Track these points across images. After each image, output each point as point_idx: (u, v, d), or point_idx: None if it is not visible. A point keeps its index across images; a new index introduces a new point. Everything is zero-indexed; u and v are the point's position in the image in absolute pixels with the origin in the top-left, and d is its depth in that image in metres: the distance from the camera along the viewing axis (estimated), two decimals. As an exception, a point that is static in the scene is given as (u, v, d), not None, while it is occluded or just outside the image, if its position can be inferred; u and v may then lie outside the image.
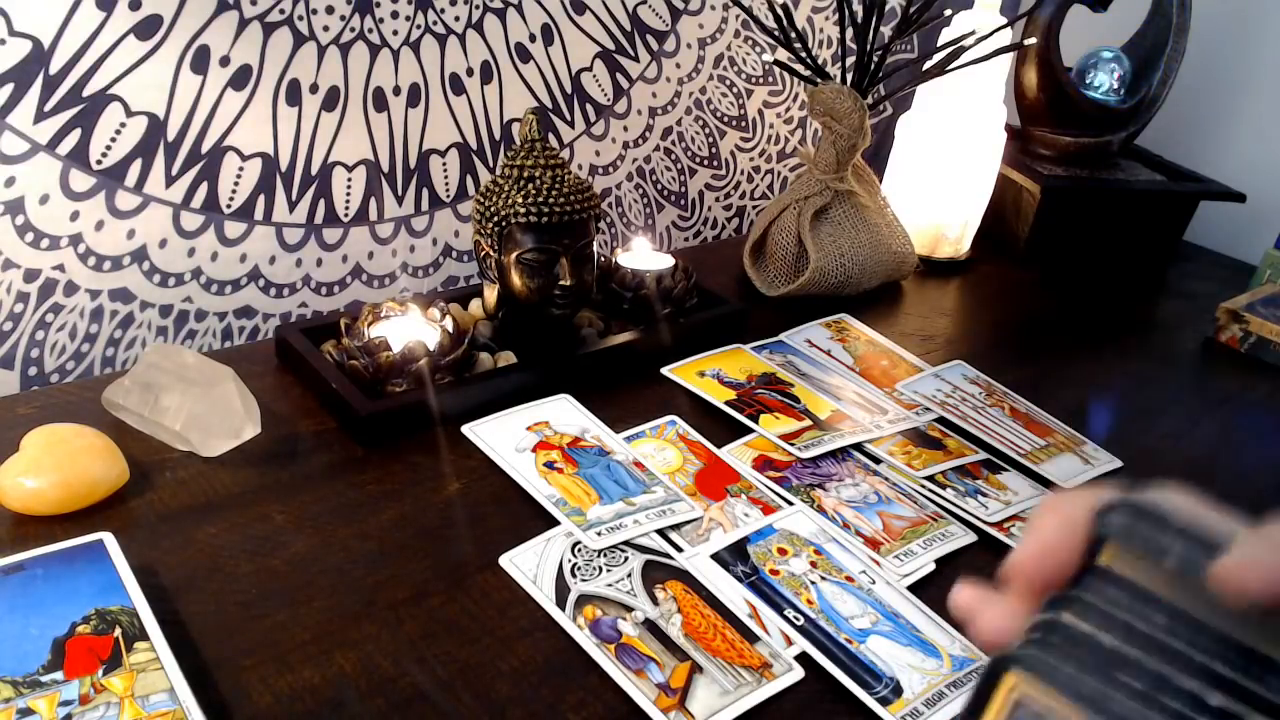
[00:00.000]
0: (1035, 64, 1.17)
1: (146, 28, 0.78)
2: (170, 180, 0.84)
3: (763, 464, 0.75)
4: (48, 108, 0.77)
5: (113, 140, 0.80)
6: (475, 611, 0.59)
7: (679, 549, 0.65)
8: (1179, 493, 0.28)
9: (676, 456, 0.74)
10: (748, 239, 1.06)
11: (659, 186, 1.17)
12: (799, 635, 0.59)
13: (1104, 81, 1.20)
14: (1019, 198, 1.19)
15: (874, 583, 0.64)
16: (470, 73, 0.97)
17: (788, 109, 1.25)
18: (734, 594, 0.61)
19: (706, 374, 0.85)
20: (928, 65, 1.00)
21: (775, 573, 0.64)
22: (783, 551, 0.66)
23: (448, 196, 1.01)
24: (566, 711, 0.53)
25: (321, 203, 0.93)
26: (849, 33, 0.97)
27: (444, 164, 0.99)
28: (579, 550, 0.64)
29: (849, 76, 0.98)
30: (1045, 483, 0.77)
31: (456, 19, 0.94)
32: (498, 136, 1.02)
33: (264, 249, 0.91)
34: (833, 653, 0.58)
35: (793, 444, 0.76)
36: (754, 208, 1.28)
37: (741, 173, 1.25)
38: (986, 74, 1.05)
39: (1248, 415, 0.93)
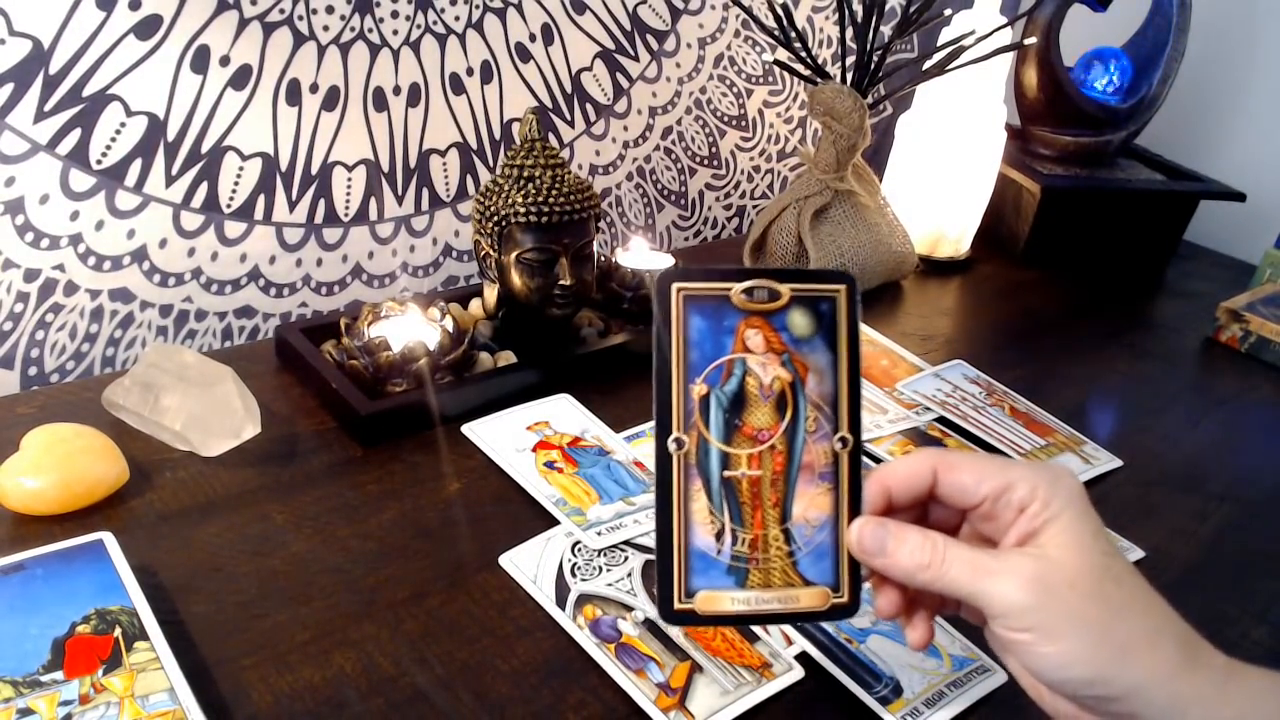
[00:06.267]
0: (1035, 64, 1.17)
1: (146, 28, 0.78)
2: (170, 180, 0.84)
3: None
4: (48, 108, 0.77)
5: (113, 140, 0.80)
6: (475, 611, 0.59)
7: (679, 549, 0.65)
8: None
9: (676, 456, 0.74)
10: (748, 239, 1.06)
11: (659, 186, 1.17)
12: (799, 635, 0.59)
13: (1104, 81, 1.20)
14: (1019, 198, 1.19)
15: (874, 582, 0.64)
16: (470, 72, 0.97)
17: (788, 109, 1.25)
18: (734, 594, 0.61)
19: (706, 374, 0.85)
20: (928, 65, 1.00)
21: (775, 572, 0.64)
22: (783, 551, 0.66)
23: (448, 196, 1.01)
24: (566, 711, 0.53)
25: (321, 203, 0.93)
26: (849, 33, 0.97)
27: (444, 164, 0.99)
28: (579, 550, 0.64)
29: (849, 76, 0.98)
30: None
31: (456, 19, 0.94)
32: (498, 136, 1.02)
33: (264, 249, 0.91)
34: (832, 652, 0.58)
35: (793, 444, 0.76)
36: (754, 208, 1.28)
37: (741, 172, 1.25)
38: (986, 74, 1.05)
39: (1248, 415, 0.93)
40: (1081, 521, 0.41)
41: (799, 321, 0.43)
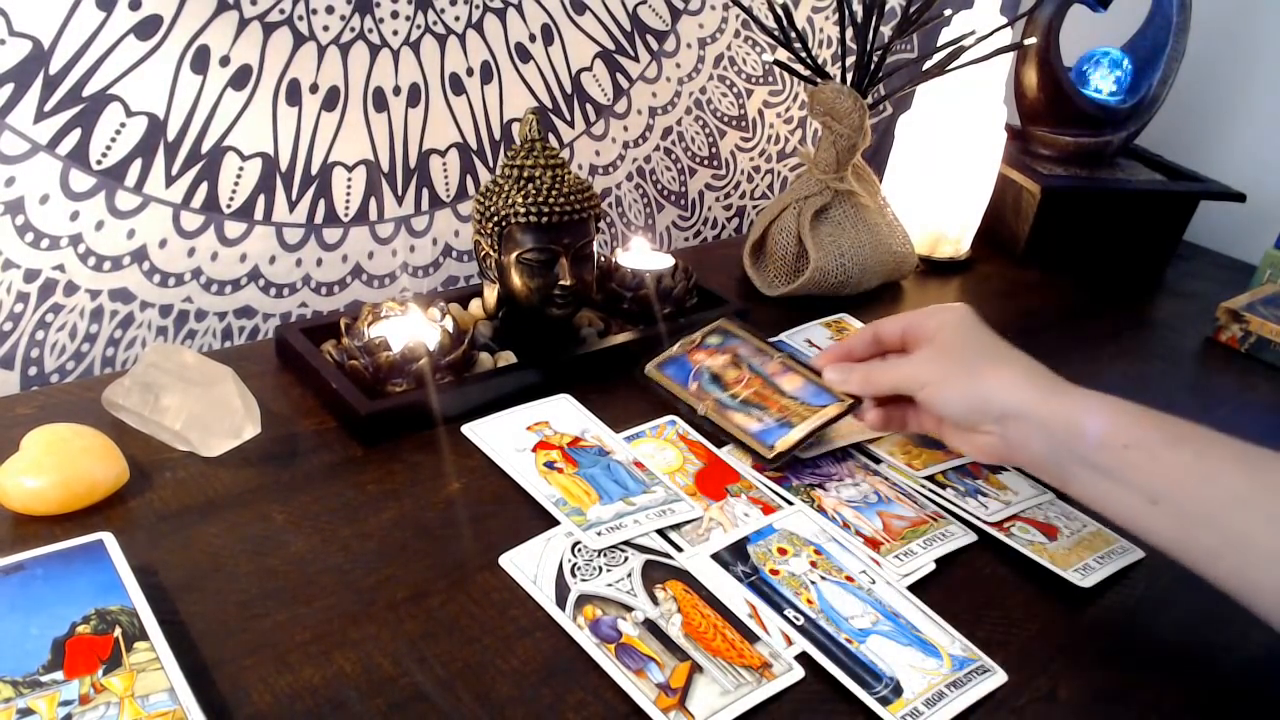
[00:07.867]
0: (1035, 64, 1.17)
1: (146, 28, 0.78)
2: (170, 180, 0.84)
3: (763, 464, 0.75)
4: (48, 108, 0.77)
5: (113, 140, 0.80)
6: (475, 611, 0.59)
7: (679, 549, 0.65)
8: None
9: (676, 456, 0.74)
10: (748, 239, 1.06)
11: (659, 186, 1.17)
12: (799, 635, 0.59)
13: (1104, 81, 1.20)
14: (1019, 198, 1.19)
15: (874, 582, 0.64)
16: (470, 73, 0.97)
17: (788, 109, 1.25)
18: (734, 594, 0.61)
19: (706, 374, 0.85)
20: (928, 65, 1.00)
21: (775, 572, 0.64)
22: (783, 551, 0.66)
23: (448, 196, 1.01)
24: (566, 711, 0.53)
25: (321, 203, 0.93)
26: (849, 33, 0.97)
27: (444, 164, 0.99)
28: (579, 550, 0.64)
29: (849, 76, 0.98)
30: (1045, 483, 0.77)
31: (456, 19, 0.94)
32: (498, 136, 1.02)
33: (264, 249, 0.91)
34: (833, 653, 0.58)
35: (793, 444, 0.76)
36: (754, 208, 1.28)
37: (741, 173, 1.25)
38: (986, 74, 1.05)
39: (1248, 415, 0.92)
40: (964, 323, 0.68)
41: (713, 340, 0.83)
